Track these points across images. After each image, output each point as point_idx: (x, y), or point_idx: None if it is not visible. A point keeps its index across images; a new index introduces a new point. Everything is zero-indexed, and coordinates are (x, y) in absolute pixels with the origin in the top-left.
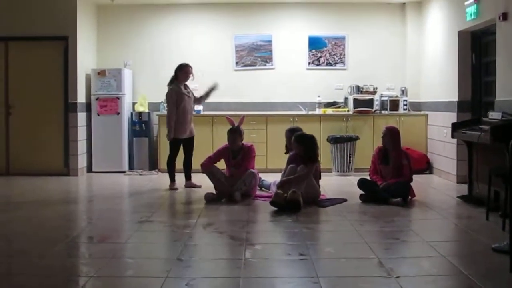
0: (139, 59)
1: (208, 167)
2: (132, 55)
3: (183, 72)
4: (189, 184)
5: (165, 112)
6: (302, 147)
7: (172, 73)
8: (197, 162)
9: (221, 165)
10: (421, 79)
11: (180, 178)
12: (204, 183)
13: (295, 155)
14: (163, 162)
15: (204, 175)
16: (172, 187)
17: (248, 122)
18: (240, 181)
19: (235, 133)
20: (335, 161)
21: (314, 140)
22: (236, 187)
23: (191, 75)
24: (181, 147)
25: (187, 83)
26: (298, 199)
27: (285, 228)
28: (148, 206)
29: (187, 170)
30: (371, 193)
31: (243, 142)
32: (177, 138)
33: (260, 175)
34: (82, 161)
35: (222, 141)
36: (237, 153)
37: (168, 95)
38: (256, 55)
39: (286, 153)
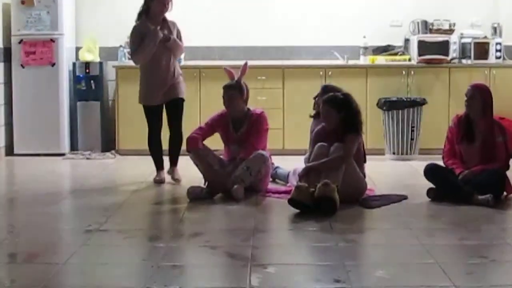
0: None
1: (196, 144)
2: None
3: (156, 1)
4: (171, 171)
5: (126, 62)
6: (342, 115)
7: (141, 2)
8: (164, 141)
9: (216, 143)
10: None
11: (130, 170)
12: (188, 172)
13: (324, 129)
14: (123, 140)
15: (189, 159)
16: (156, 178)
17: (255, 77)
18: (242, 167)
19: (233, 89)
20: (389, 137)
21: (353, 100)
22: (236, 177)
23: (168, 5)
24: (163, 116)
25: (168, 17)
26: (331, 196)
27: (312, 240)
28: (101, 207)
29: (174, 151)
30: (446, 186)
31: (249, 107)
32: (145, 105)
33: (274, 159)
34: None
35: (214, 106)
36: (241, 123)
37: (131, 37)
38: None
39: (313, 117)
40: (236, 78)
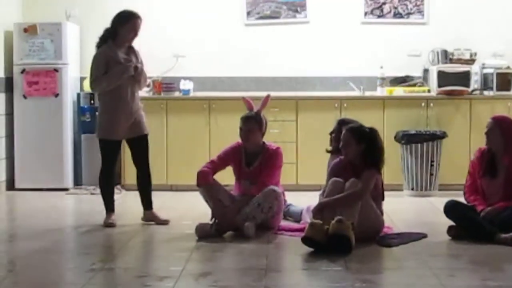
0: (91, 7)
1: (207, 179)
2: (79, 1)
3: (128, 26)
4: (149, 216)
5: None
6: (362, 147)
7: (105, 28)
8: (175, 176)
9: (226, 177)
10: None
11: (135, 206)
12: (186, 208)
13: (342, 162)
14: (129, 174)
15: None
16: (107, 222)
17: (267, 109)
18: (253, 204)
19: (252, 122)
20: (408, 172)
21: (377, 136)
22: (247, 214)
23: (139, 32)
24: (125, 152)
25: (136, 46)
26: (347, 234)
27: (327, 280)
28: (106, 245)
29: (145, 193)
30: (467, 224)
31: (264, 141)
32: (106, 139)
33: (287, 196)
34: None
35: (224, 139)
36: (255, 157)
37: (94, 62)
38: (279, 1)
39: (330, 153)
40: (253, 109)
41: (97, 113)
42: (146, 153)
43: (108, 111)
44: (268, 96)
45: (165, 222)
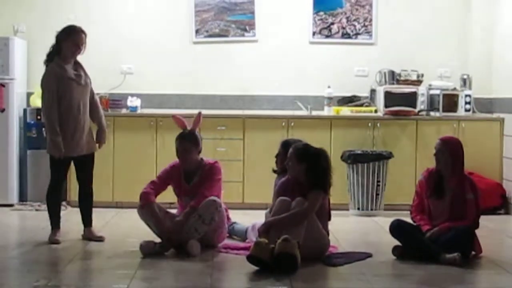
0: (38, 22)
1: (149, 199)
2: (26, 15)
3: (71, 41)
4: (88, 233)
5: None
6: (304, 167)
7: (51, 44)
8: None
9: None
10: (493, 63)
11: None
12: (130, 225)
13: (289, 181)
14: (74, 191)
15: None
16: (53, 239)
17: (214, 127)
18: (193, 217)
19: (187, 141)
20: (354, 192)
21: (326, 157)
22: (189, 227)
23: (82, 47)
24: (69, 170)
25: (80, 60)
26: (292, 253)
27: None
28: (49, 262)
29: (86, 211)
30: (412, 244)
31: (202, 157)
32: (60, 156)
33: (232, 215)
34: None
35: (171, 156)
36: (193, 174)
37: (45, 81)
38: (228, 19)
39: (277, 173)
40: (187, 127)
41: (44, 129)
42: (91, 171)
43: (64, 127)
44: (199, 114)
45: (100, 239)
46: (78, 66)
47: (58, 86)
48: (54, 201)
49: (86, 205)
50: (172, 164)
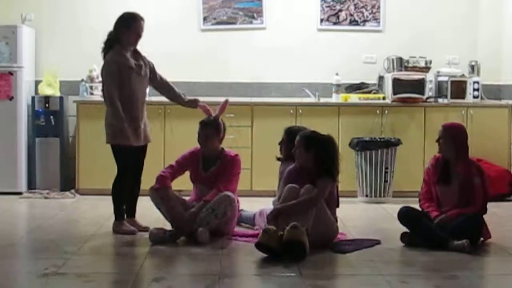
0: (46, 11)
1: (165, 183)
2: (35, 5)
3: (132, 29)
4: (132, 223)
5: (88, 97)
6: (312, 154)
7: (108, 32)
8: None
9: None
10: (502, 49)
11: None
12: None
13: (297, 169)
14: (83, 179)
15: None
16: (123, 229)
17: (223, 115)
18: (207, 210)
19: (210, 128)
20: (362, 179)
21: (334, 144)
22: (201, 220)
23: (142, 35)
24: (80, 157)
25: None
26: (301, 240)
27: (281, 286)
28: (58, 250)
29: (133, 200)
30: (420, 231)
31: (223, 147)
32: (125, 145)
33: (241, 202)
34: None
35: (180, 145)
36: (213, 162)
37: (106, 70)
38: (236, 7)
39: (281, 160)
40: (212, 115)
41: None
42: (142, 162)
43: (126, 116)
44: (226, 101)
45: (146, 229)
46: (138, 55)
47: (120, 77)
48: (119, 193)
49: (134, 195)
50: (192, 150)
